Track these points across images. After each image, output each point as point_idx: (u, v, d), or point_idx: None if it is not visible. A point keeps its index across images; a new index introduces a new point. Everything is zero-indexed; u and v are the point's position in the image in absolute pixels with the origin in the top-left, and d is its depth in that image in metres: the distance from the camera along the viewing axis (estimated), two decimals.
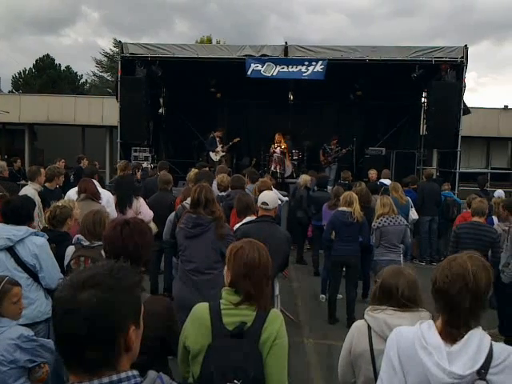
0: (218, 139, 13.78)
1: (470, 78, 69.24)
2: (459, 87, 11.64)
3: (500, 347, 1.86)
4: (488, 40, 73.96)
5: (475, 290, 1.85)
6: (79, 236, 3.73)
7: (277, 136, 13.38)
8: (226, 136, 14.10)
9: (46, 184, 6.51)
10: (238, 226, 4.98)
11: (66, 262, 3.80)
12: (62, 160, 11.92)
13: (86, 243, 3.66)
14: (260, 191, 5.74)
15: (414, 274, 2.53)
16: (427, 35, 62.71)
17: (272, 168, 13.21)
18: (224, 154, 13.75)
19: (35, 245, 3.81)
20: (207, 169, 8.57)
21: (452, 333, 1.85)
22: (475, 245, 5.63)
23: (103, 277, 1.29)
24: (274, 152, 13.14)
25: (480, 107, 18.99)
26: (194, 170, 7.44)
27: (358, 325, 2.57)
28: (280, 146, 13.18)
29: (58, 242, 4.10)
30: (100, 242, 3.46)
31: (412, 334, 1.94)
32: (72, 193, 5.94)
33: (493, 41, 74.24)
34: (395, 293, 2.44)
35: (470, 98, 78.13)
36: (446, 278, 1.87)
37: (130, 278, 1.34)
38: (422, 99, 14.55)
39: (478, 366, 1.77)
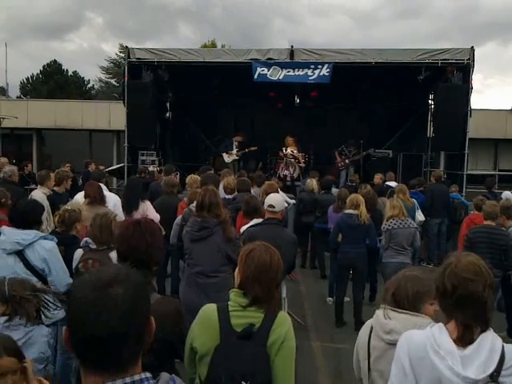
0: (236, 143, 13.90)
1: (476, 79, 68.85)
2: (466, 89, 11.58)
3: (511, 349, 1.85)
4: (493, 41, 73.82)
5: (493, 286, 1.87)
6: (87, 239, 3.76)
7: (288, 139, 13.38)
8: (241, 143, 14.15)
9: (55, 188, 6.57)
10: (244, 228, 4.99)
11: (74, 265, 3.82)
12: (68, 164, 12.01)
13: (94, 246, 3.68)
14: (267, 194, 5.74)
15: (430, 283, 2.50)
16: (432, 37, 62.70)
17: (281, 171, 13.24)
18: (237, 158, 13.83)
19: (44, 249, 3.83)
20: (212, 172, 8.58)
21: (464, 336, 1.85)
22: (489, 249, 5.61)
23: (125, 275, 1.29)
24: (285, 155, 13.14)
25: (487, 109, 18.92)
26: (192, 177, 7.44)
27: (368, 322, 2.59)
28: (292, 150, 13.20)
29: (67, 245, 4.13)
30: (106, 246, 3.49)
31: (423, 338, 1.93)
32: (79, 197, 5.99)
33: (498, 42, 74.07)
34: (402, 293, 2.43)
35: (477, 100, 77.98)
36: (466, 278, 1.86)
37: (141, 277, 1.36)
38: (429, 101, 14.50)
39: (491, 370, 1.77)
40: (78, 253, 3.82)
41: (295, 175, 13.27)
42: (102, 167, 12.85)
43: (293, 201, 9.46)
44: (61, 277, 3.85)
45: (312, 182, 9.64)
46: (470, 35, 65.20)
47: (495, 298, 5.67)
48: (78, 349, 1.24)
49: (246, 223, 5.15)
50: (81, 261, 3.68)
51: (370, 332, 2.48)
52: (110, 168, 14.19)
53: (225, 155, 13.88)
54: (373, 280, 7.49)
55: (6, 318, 2.70)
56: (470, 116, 11.74)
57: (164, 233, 5.98)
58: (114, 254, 2.91)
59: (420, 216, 8.48)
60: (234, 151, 13.83)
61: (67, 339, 1.26)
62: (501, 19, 67.06)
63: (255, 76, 11.85)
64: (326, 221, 8.20)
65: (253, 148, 14.01)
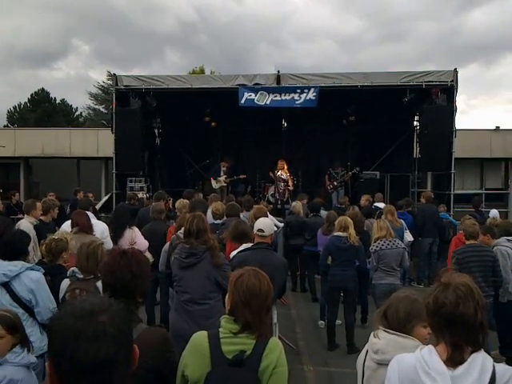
0: (223, 169, 13.97)
1: (460, 100, 70.21)
2: (450, 110, 11.79)
3: (503, 368, 1.85)
4: (476, 63, 75.41)
5: (483, 306, 1.87)
6: (74, 269, 3.72)
7: (280, 162, 13.52)
8: (229, 169, 14.23)
9: (42, 217, 6.52)
10: (234, 253, 4.97)
11: (61, 296, 3.77)
12: (51, 193, 11.97)
13: (81, 276, 3.64)
14: (256, 218, 5.75)
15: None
16: (416, 59, 63.95)
17: (269, 194, 13.32)
18: (225, 184, 13.87)
19: (31, 280, 3.79)
20: (201, 196, 8.59)
21: (454, 357, 1.84)
22: (480, 267, 5.63)
23: (108, 303, 1.31)
24: (278, 178, 13.22)
25: (472, 129, 19.19)
26: (182, 201, 7.44)
27: (366, 345, 2.58)
28: (283, 173, 13.30)
29: (53, 275, 4.08)
30: (92, 276, 3.45)
31: (414, 360, 1.93)
32: (66, 226, 5.94)
33: (481, 63, 75.66)
34: (393, 314, 2.44)
35: (461, 120, 79.15)
36: (456, 299, 1.86)
37: (122, 305, 1.38)
38: (415, 122, 14.71)
39: None
40: (65, 283, 3.77)
41: (284, 198, 13.33)
42: (90, 195, 12.79)
43: (282, 224, 9.46)
44: (48, 308, 3.79)
45: (298, 205, 9.66)
46: (454, 57, 66.62)
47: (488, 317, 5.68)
48: (67, 380, 1.22)
49: (236, 248, 5.13)
50: (68, 291, 3.63)
51: (367, 352, 2.49)
52: (100, 204, 14.08)
53: (212, 181, 13.96)
54: (364, 302, 7.47)
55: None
56: (455, 136, 11.90)
57: (152, 260, 6.00)
58: (100, 284, 2.88)
59: (409, 236, 8.53)
60: (222, 178, 13.91)
61: (51, 372, 1.24)
62: (483, 41, 68.75)
63: (242, 101, 11.95)
64: (316, 244, 8.21)
65: (242, 176, 14.11)
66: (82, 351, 1.18)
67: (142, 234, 6.63)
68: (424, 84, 11.74)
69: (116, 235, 6.40)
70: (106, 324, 1.22)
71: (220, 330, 2.35)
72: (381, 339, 2.39)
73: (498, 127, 19.23)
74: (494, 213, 9.35)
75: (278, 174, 13.31)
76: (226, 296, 2.44)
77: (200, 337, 2.38)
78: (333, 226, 7.07)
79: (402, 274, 7.23)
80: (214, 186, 13.77)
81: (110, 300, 1.35)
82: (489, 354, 1.89)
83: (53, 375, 1.24)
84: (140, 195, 12.13)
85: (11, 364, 2.94)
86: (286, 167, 13.54)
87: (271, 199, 13.36)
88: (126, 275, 2.37)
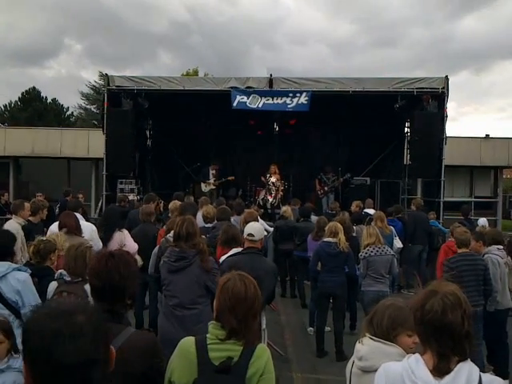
0: (213, 172, 14.02)
1: (451, 107, 70.89)
2: (441, 117, 11.85)
3: (489, 378, 1.86)
4: (467, 70, 76.33)
5: (470, 316, 1.87)
6: (62, 271, 3.68)
7: (272, 167, 13.57)
8: (218, 172, 14.27)
9: (30, 218, 6.46)
10: (223, 258, 4.95)
11: (48, 298, 3.72)
12: (39, 193, 11.88)
13: (69, 278, 3.60)
14: (246, 222, 5.73)
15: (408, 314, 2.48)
16: (407, 65, 64.67)
17: (260, 198, 13.33)
18: (214, 187, 13.89)
19: (18, 280, 3.74)
20: (192, 199, 8.56)
21: (440, 366, 1.84)
22: (473, 276, 5.63)
23: (84, 304, 1.32)
24: (267, 182, 13.25)
25: (462, 136, 19.36)
26: (175, 203, 7.42)
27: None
28: (275, 178, 13.33)
29: (40, 277, 4.03)
30: (80, 278, 3.41)
31: (400, 369, 1.93)
32: (55, 227, 5.88)
33: (471, 71, 76.51)
34: (378, 322, 2.43)
35: (452, 128, 79.78)
36: (443, 307, 1.86)
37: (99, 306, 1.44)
38: (405, 129, 14.79)
39: None
40: (53, 285, 3.73)
41: (275, 203, 13.34)
42: (80, 196, 12.70)
43: (272, 228, 9.46)
44: None
45: (288, 210, 9.66)
46: (445, 64, 67.44)
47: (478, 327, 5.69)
48: (44, 382, 1.20)
49: (226, 253, 5.11)
50: (55, 293, 3.59)
51: (354, 360, 2.50)
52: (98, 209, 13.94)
53: (202, 184, 14.03)
54: (353, 309, 7.46)
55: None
56: (446, 143, 11.98)
57: (141, 263, 5.96)
58: (88, 287, 2.86)
59: (398, 243, 8.56)
60: (211, 180, 13.96)
61: (27, 375, 1.22)
62: (474, 49, 69.53)
63: (234, 104, 11.95)
64: (306, 249, 8.20)
65: (230, 178, 14.11)
66: (60, 351, 1.16)
67: (132, 236, 6.59)
68: (415, 90, 11.80)
69: (106, 238, 6.36)
70: (83, 324, 1.21)
71: (207, 336, 2.33)
72: (365, 346, 2.39)
73: (487, 135, 19.41)
74: (482, 221, 9.40)
75: (270, 178, 13.33)
76: (214, 301, 2.42)
77: (187, 343, 2.36)
78: (323, 231, 7.07)
79: (391, 281, 7.22)
80: (203, 190, 13.81)
81: (85, 300, 1.34)
82: (482, 363, 1.89)
83: (28, 378, 1.22)
84: (130, 197, 12.05)
85: (14, 370, 2.93)
86: (277, 171, 13.56)
87: (262, 203, 13.36)
88: (115, 276, 2.35)
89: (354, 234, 7.86)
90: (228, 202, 10.18)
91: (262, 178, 13.50)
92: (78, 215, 6.12)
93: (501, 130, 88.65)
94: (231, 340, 2.27)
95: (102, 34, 67.68)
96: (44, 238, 4.41)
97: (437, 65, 68.24)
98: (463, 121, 70.18)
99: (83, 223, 6.01)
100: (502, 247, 6.23)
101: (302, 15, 74.29)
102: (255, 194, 14.20)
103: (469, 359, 1.87)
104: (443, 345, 1.84)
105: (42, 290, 3.84)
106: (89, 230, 6.00)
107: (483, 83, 79.50)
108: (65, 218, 5.63)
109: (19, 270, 3.83)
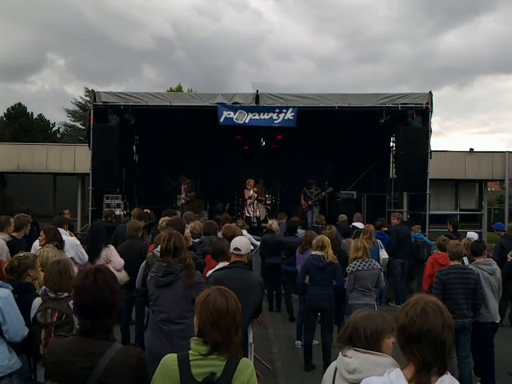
0: (184, 186, 14.25)
1: (435, 122, 71.59)
2: (425, 132, 12.00)
3: None
4: (450, 85, 77.50)
5: (451, 326, 1.88)
6: (45, 288, 3.63)
7: (248, 181, 13.63)
8: (189, 186, 14.34)
9: (14, 234, 6.40)
10: (210, 272, 4.94)
11: (32, 315, 3.67)
12: (66, 211, 11.77)
13: (53, 295, 3.56)
14: (225, 237, 5.73)
15: (385, 319, 2.50)
16: (391, 80, 65.45)
17: (246, 212, 13.35)
18: (185, 202, 14.02)
19: None
20: (179, 214, 8.53)
21: (421, 380, 1.84)
22: (463, 289, 5.65)
23: None
24: (248, 197, 13.29)
25: (446, 150, 19.59)
26: (165, 219, 7.40)
27: (332, 363, 2.56)
28: (252, 191, 13.37)
29: (21, 293, 3.95)
30: (67, 294, 3.37)
31: (381, 383, 1.93)
32: (37, 243, 5.84)
33: (454, 86, 77.71)
34: (360, 335, 2.43)
35: (436, 142, 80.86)
36: (424, 314, 1.87)
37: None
38: (391, 143, 14.94)
39: None
40: (37, 302, 3.68)
41: (261, 216, 13.36)
42: (66, 211, 12.58)
43: (259, 242, 9.46)
44: (16, 326, 3.69)
45: (274, 224, 9.67)
46: (428, 79, 68.39)
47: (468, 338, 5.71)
48: None
49: (215, 266, 5.10)
50: (39, 310, 3.54)
51: (335, 373, 2.46)
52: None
53: (178, 198, 14.24)
54: (340, 322, 7.44)
55: None
56: (431, 157, 12.11)
57: (128, 278, 5.91)
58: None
59: (383, 254, 8.57)
60: (183, 195, 14.14)
61: None
62: (456, 64, 70.69)
63: (221, 120, 12.00)
64: (293, 263, 8.20)
65: (192, 193, 14.21)
66: None
67: (118, 251, 6.54)
68: (400, 106, 11.95)
69: (92, 253, 6.32)
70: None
71: (190, 352, 2.30)
72: (354, 358, 2.37)
73: (472, 149, 19.65)
74: (471, 235, 9.25)
75: (250, 193, 13.39)
76: (195, 317, 2.40)
77: (169, 360, 2.33)
78: (309, 244, 7.08)
79: (379, 295, 7.23)
80: (177, 203, 13.99)
81: None
82: (471, 375, 1.89)
83: None
84: (117, 212, 11.99)
85: None
86: (253, 185, 13.61)
87: (248, 217, 13.37)
88: (105, 292, 2.33)
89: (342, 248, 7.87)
90: (215, 217, 10.17)
91: (245, 192, 13.55)
92: (61, 230, 6.08)
93: (483, 143, 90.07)
94: (213, 355, 2.25)
95: (86, 49, 67.47)
96: (21, 255, 4.29)
97: (420, 80, 69.34)
98: (448, 135, 71.13)
99: (67, 238, 5.98)
100: (489, 260, 6.27)
101: (286, 30, 75.13)
102: (242, 209, 14.21)
103: (449, 373, 1.88)
104: (425, 353, 1.84)
105: (22, 306, 3.78)
106: (71, 244, 5.97)
107: (466, 98, 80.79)
108: (45, 232, 5.60)
109: (0, 286, 3.78)
